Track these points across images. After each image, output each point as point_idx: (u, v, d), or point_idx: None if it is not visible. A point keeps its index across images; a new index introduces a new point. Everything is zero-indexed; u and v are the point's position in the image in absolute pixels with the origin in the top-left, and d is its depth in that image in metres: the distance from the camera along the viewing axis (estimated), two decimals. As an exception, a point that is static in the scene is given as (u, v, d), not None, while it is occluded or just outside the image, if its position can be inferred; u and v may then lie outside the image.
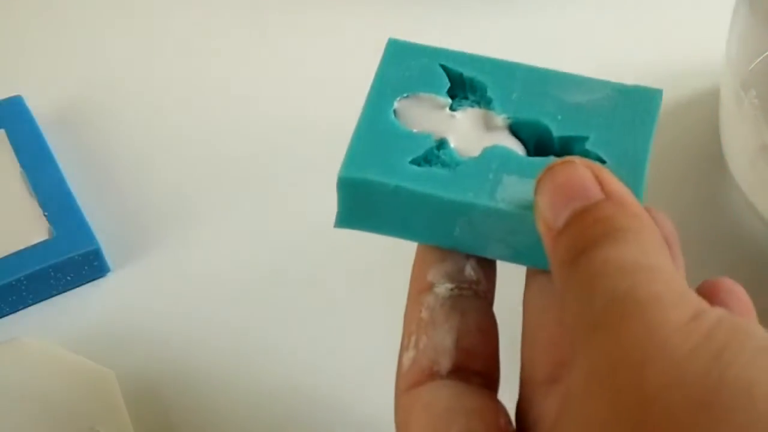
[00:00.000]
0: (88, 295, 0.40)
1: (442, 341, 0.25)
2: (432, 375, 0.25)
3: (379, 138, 0.27)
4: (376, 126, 0.27)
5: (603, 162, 0.26)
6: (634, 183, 0.25)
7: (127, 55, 0.49)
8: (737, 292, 0.25)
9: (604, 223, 0.22)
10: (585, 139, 0.27)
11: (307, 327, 0.39)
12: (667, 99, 0.47)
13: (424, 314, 0.26)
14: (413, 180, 0.26)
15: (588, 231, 0.22)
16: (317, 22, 0.50)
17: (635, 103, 0.27)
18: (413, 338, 0.26)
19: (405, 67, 0.28)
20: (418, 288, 0.27)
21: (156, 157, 0.44)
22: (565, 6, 0.50)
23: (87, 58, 0.49)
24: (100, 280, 0.40)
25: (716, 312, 0.20)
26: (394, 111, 0.27)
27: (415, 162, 0.26)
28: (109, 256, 0.40)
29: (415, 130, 0.27)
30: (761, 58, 0.41)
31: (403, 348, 0.26)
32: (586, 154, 0.26)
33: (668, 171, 0.43)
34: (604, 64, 0.48)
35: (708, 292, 0.25)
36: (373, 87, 0.28)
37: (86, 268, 0.39)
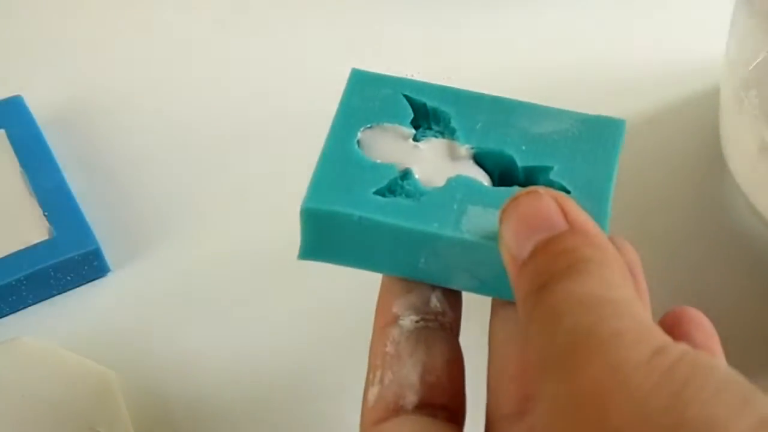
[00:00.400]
0: (88, 295, 0.40)
1: (408, 376, 0.25)
2: (397, 410, 0.25)
3: (343, 169, 0.27)
4: (339, 157, 0.27)
5: (567, 192, 0.26)
6: (599, 213, 0.25)
7: (127, 56, 0.49)
8: (701, 321, 0.25)
9: (568, 255, 0.22)
10: (549, 169, 0.27)
11: (308, 327, 0.39)
12: (667, 99, 0.47)
13: (390, 348, 0.26)
14: (377, 211, 0.26)
15: (552, 263, 0.22)
16: (318, 23, 0.50)
17: (599, 133, 0.27)
18: (378, 373, 0.26)
19: (368, 98, 0.28)
20: (383, 321, 0.27)
21: (156, 158, 0.44)
22: (565, 5, 0.50)
23: (87, 58, 0.49)
24: (100, 280, 0.40)
25: (679, 347, 0.20)
26: (358, 141, 0.27)
27: (380, 193, 0.26)
28: (109, 256, 0.40)
29: (378, 161, 0.27)
30: (761, 58, 0.41)
31: (368, 383, 0.26)
32: (550, 184, 0.26)
33: (668, 171, 0.43)
34: (604, 64, 0.48)
35: (672, 322, 0.25)
36: (336, 117, 0.28)
37: (86, 268, 0.39)
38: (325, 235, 0.26)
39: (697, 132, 0.44)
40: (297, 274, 0.40)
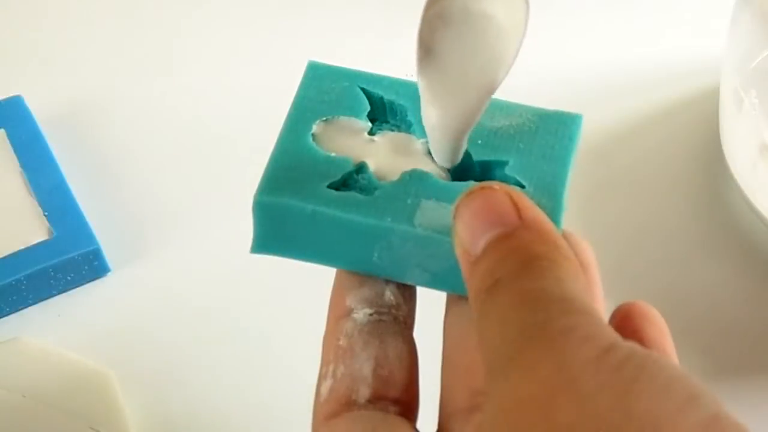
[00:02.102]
0: (88, 295, 0.40)
1: (360, 369, 0.25)
2: (349, 405, 0.25)
3: (297, 162, 0.26)
4: (293, 149, 0.26)
5: (522, 187, 0.26)
6: (553, 209, 0.25)
7: (127, 56, 0.49)
8: (653, 317, 0.25)
9: (521, 252, 0.22)
10: (504, 163, 0.26)
11: (308, 327, 0.39)
12: (667, 99, 0.47)
13: (343, 342, 0.26)
14: (331, 204, 0.25)
15: (504, 259, 0.22)
16: (323, 23, 0.50)
17: (556, 128, 0.27)
18: (331, 367, 0.25)
19: (324, 90, 0.28)
20: (337, 314, 0.26)
21: (156, 158, 0.44)
22: (565, 5, 0.50)
23: (87, 58, 0.49)
24: (100, 280, 0.40)
25: (628, 346, 0.20)
26: (313, 135, 0.27)
27: (334, 186, 0.26)
28: (109, 256, 0.40)
29: (333, 154, 0.26)
30: (761, 58, 0.41)
31: (321, 377, 0.26)
32: (505, 179, 0.26)
33: (668, 171, 0.43)
34: (604, 64, 0.48)
35: (623, 316, 0.25)
36: (291, 110, 0.27)
37: (86, 268, 0.39)
38: (278, 229, 0.26)
39: (697, 132, 0.44)
40: (297, 274, 0.40)
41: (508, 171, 0.26)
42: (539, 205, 0.23)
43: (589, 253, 0.26)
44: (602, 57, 0.48)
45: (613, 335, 0.20)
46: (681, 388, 0.19)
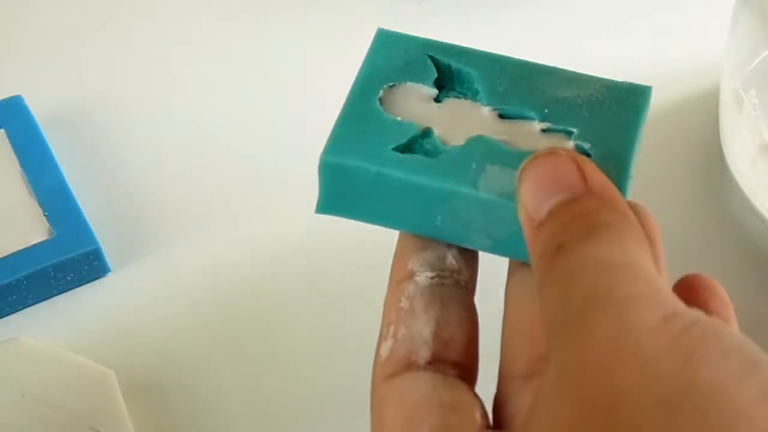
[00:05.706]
0: (88, 295, 0.40)
1: (421, 331, 0.25)
2: (409, 365, 0.25)
3: (363, 124, 0.27)
4: (360, 113, 0.27)
5: (588, 155, 0.26)
6: (619, 178, 0.25)
7: (127, 56, 0.49)
8: (716, 289, 0.25)
9: (586, 218, 0.22)
10: (571, 132, 0.26)
11: (308, 326, 0.39)
12: (667, 99, 0.47)
13: (404, 303, 0.26)
14: (396, 166, 0.26)
15: (569, 225, 0.22)
16: (319, 21, 0.50)
17: (624, 99, 0.27)
18: (392, 328, 0.26)
19: (392, 57, 0.28)
20: (399, 276, 0.26)
21: (156, 157, 0.44)
22: (565, 5, 0.50)
23: (87, 58, 0.49)
24: (100, 280, 0.40)
25: (692, 313, 0.20)
26: (380, 99, 0.27)
27: (399, 149, 0.26)
28: (109, 256, 0.40)
29: (399, 119, 0.27)
30: (761, 58, 0.41)
31: (382, 337, 0.26)
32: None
33: (668, 171, 0.43)
34: (604, 64, 0.48)
35: (687, 288, 0.25)
36: (359, 75, 0.28)
37: (86, 268, 0.39)
38: (343, 190, 0.26)
39: (697, 132, 0.44)
40: (297, 273, 0.40)
41: (573, 140, 0.26)
42: (605, 172, 0.23)
43: (653, 222, 0.26)
44: (601, 57, 0.48)
45: (678, 303, 0.20)
46: (742, 355, 0.19)
